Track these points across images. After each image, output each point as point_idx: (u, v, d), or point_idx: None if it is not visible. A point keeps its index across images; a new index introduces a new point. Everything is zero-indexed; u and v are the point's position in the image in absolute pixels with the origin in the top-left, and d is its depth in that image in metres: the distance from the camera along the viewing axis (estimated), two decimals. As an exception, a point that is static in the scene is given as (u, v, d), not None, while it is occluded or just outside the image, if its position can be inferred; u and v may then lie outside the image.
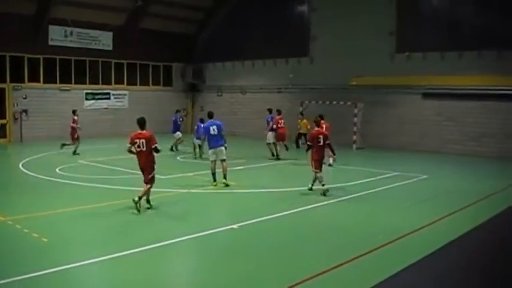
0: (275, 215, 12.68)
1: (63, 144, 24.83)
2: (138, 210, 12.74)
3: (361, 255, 9.50)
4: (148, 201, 13.43)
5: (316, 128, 16.22)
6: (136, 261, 9.29)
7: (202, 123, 23.33)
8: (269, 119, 24.46)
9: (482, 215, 13.06)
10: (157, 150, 13.33)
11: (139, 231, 11.38)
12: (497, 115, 25.97)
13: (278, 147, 24.00)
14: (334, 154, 20.07)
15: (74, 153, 24.24)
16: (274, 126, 24.03)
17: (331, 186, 16.64)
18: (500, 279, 8.82)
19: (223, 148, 16.58)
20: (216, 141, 16.54)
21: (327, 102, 30.04)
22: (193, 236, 10.74)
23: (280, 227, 11.94)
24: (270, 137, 24.03)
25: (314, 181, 15.90)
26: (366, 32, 29.66)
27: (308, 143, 16.47)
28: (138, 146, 13.17)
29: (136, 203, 12.76)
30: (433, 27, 28.04)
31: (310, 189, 15.86)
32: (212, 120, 17.05)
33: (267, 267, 9.11)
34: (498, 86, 25.49)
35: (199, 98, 40.50)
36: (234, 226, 11.52)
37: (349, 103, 29.42)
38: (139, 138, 13.15)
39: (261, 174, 20.05)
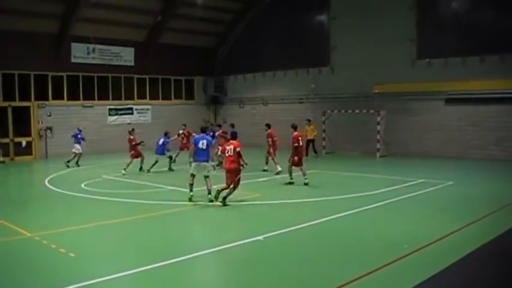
0: (299, 226, 12.64)
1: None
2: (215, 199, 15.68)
3: (386, 265, 9.41)
4: (224, 198, 15.59)
5: (296, 132, 19.70)
6: (161, 275, 9.26)
7: (167, 137, 24.13)
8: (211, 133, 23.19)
9: (509, 222, 12.88)
10: (240, 155, 15.73)
11: (164, 245, 11.41)
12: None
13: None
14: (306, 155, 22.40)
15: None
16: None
17: (357, 195, 16.68)
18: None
19: (207, 164, 16.35)
20: (201, 155, 16.23)
21: (350, 111, 30.09)
22: (217, 248, 10.76)
23: (304, 238, 11.90)
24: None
25: (290, 174, 19.53)
26: (386, 40, 29.66)
27: (295, 144, 19.43)
28: (228, 152, 15.77)
29: (216, 198, 15.64)
30: (453, 32, 27.92)
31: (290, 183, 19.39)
32: (203, 134, 16.90)
33: (290, 279, 9.04)
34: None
35: (222, 110, 40.66)
36: (260, 238, 11.48)
37: (371, 111, 29.35)
38: (229, 145, 15.95)
39: (285, 185, 19.70)
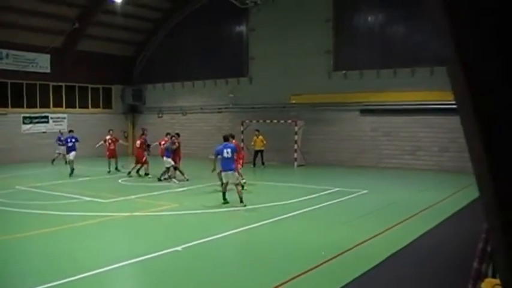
0: (219, 236, 12.66)
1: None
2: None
3: (304, 272, 9.59)
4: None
5: (234, 141, 20.18)
6: None
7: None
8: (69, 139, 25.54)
9: (423, 227, 13.39)
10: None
11: (80, 257, 11.08)
12: (431, 129, 26.88)
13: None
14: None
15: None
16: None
17: (276, 204, 16.92)
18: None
19: (235, 173, 16.99)
20: (227, 164, 16.86)
21: (268, 121, 30.38)
22: (136, 260, 10.64)
23: (224, 248, 11.99)
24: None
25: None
26: (304, 51, 30.27)
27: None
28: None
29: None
30: (368, 46, 28.87)
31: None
32: (225, 143, 17.34)
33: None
34: (431, 101, 26.36)
35: (140, 119, 40.21)
36: (178, 248, 11.44)
37: (289, 121, 29.80)
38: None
39: (204, 194, 19.90)
